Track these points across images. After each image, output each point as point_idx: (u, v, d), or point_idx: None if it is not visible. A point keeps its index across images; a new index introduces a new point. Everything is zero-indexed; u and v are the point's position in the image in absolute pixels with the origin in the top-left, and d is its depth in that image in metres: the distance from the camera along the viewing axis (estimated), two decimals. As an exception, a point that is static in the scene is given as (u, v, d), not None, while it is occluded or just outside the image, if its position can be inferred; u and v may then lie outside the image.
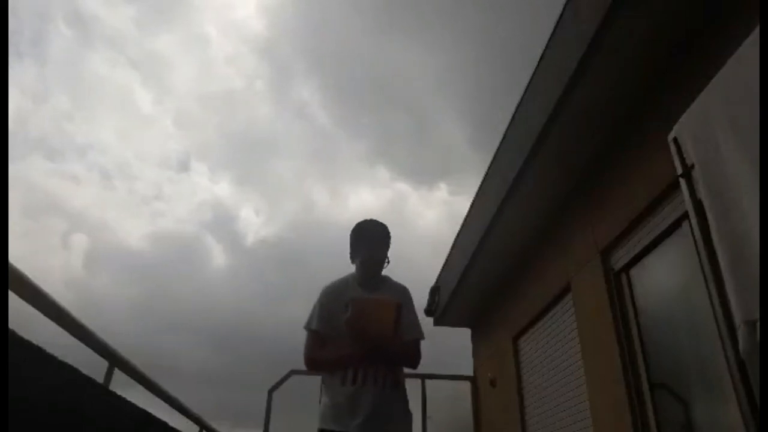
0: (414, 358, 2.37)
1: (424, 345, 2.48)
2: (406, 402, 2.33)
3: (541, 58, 3.80)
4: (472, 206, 5.83)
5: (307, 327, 2.36)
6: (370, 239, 2.47)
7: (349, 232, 2.57)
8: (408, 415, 2.29)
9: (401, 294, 2.42)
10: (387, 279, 2.51)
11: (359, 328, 2.19)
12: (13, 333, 1.46)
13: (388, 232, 2.54)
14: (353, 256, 2.50)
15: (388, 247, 2.50)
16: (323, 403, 2.27)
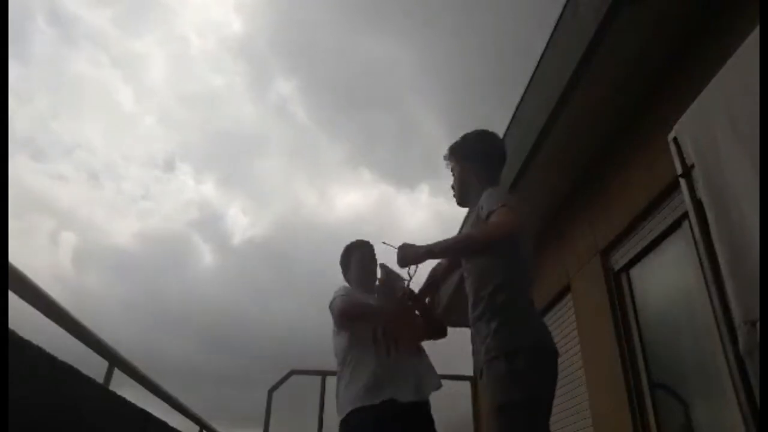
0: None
1: (425, 344, 2.49)
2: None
3: (541, 57, 3.80)
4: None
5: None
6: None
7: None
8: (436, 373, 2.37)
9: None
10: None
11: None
12: (13, 333, 1.46)
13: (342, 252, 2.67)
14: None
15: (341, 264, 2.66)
16: (350, 384, 2.17)
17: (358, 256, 2.57)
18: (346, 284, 2.57)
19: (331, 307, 2.33)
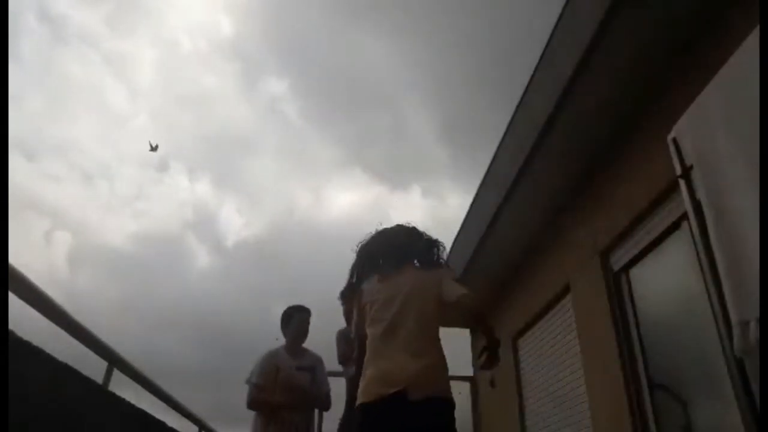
0: None
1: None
2: None
3: (541, 58, 3.80)
4: (471, 207, 5.83)
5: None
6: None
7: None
8: None
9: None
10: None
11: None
12: (13, 333, 1.46)
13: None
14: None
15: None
16: None
17: (297, 318, 3.30)
18: (271, 349, 3.30)
19: (247, 383, 3.21)
